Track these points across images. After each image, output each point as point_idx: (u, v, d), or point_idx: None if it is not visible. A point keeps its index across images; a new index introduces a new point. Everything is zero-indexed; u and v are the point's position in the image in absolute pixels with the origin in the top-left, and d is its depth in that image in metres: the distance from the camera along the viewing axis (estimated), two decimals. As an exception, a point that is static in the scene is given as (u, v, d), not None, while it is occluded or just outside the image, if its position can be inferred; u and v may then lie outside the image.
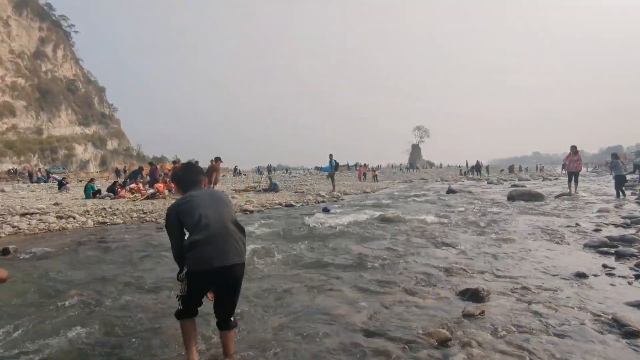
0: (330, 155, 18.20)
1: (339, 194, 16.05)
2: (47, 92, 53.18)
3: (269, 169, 47.54)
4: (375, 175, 32.55)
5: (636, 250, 4.72)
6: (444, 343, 2.57)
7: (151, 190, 13.91)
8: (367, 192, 18.99)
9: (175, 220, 2.28)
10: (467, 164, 52.09)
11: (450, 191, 17.04)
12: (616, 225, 6.86)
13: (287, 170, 52.27)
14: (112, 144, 62.46)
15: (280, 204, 12.72)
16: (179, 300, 2.31)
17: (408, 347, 2.55)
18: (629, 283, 3.69)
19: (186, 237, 2.28)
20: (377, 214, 9.31)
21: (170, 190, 14.34)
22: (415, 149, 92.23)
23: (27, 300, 3.62)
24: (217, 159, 14.19)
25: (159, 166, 18.05)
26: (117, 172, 33.02)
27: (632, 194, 12.68)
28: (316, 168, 52.25)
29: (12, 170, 35.79)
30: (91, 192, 13.93)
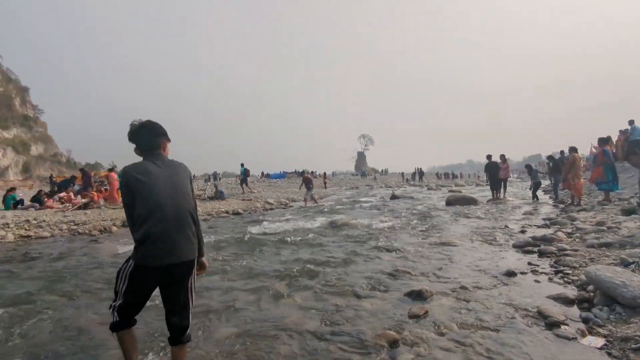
0: (242, 164, 20.95)
1: (287, 201, 16.00)
2: (-44, 91, 47.05)
3: (215, 176, 46.21)
4: (325, 182, 32.97)
5: (555, 249, 5.26)
6: (393, 344, 2.67)
7: (84, 200, 12.88)
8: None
9: (128, 194, 2.09)
10: (416, 170, 47.88)
11: (394, 197, 17.76)
12: (538, 227, 7.60)
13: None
14: (37, 149, 56.62)
15: (227, 212, 12.40)
16: (113, 311, 2.13)
17: (360, 350, 2.61)
18: (550, 279, 4.10)
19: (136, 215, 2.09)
20: (326, 220, 9.44)
21: (106, 200, 13.41)
22: (361, 157, 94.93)
23: None
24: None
25: (92, 173, 16.91)
26: (51, 181, 25.13)
27: (550, 197, 14.12)
28: (263, 174, 51.62)
29: None
30: (12, 202, 12.56)
